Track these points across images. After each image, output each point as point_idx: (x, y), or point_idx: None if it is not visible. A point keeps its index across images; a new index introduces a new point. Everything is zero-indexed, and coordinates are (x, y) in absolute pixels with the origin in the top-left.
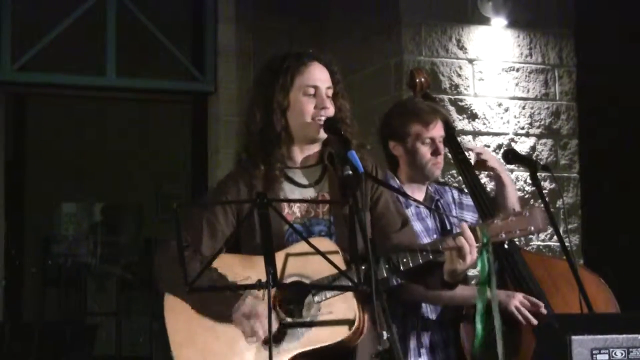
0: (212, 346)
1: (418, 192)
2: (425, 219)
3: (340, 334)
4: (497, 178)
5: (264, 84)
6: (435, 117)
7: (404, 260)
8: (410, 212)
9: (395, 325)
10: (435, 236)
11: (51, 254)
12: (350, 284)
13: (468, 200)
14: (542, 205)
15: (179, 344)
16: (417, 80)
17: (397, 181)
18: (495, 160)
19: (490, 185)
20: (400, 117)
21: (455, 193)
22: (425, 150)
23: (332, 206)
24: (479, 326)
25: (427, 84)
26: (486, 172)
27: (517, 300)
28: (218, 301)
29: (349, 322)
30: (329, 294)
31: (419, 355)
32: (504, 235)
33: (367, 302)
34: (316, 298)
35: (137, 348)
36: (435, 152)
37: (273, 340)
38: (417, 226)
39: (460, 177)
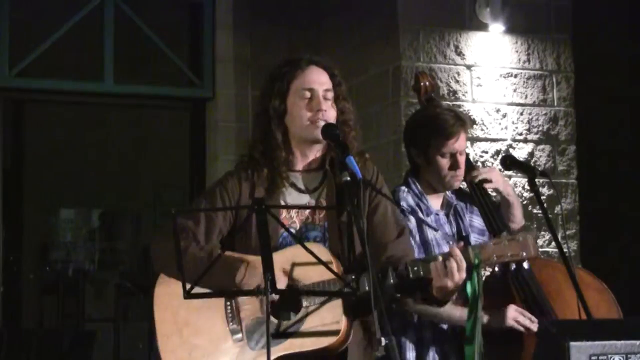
0: (198, 341)
1: (436, 199)
2: (443, 225)
3: (324, 340)
4: (503, 198)
5: (264, 92)
6: (458, 130)
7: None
8: (431, 219)
9: (412, 335)
10: (452, 243)
11: (49, 260)
12: (346, 289)
13: (475, 208)
14: (533, 232)
15: (165, 335)
16: (422, 83)
17: (418, 186)
18: (502, 182)
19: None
20: (422, 127)
21: (467, 204)
22: (444, 164)
23: (327, 213)
24: (467, 348)
25: (432, 88)
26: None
27: (512, 315)
28: (220, 275)
29: (335, 331)
30: (317, 300)
31: None
32: (495, 259)
33: (361, 316)
34: (305, 303)
35: (135, 354)
36: (454, 166)
37: (258, 340)
38: (438, 235)
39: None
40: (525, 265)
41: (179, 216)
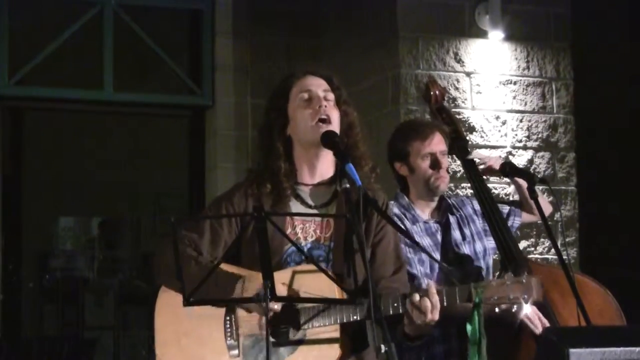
0: (196, 351)
1: (427, 209)
2: (435, 234)
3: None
4: (514, 181)
5: (265, 108)
6: (432, 131)
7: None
8: (419, 227)
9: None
10: (438, 252)
11: (49, 268)
12: (345, 311)
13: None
14: (539, 277)
15: (164, 343)
16: (432, 92)
17: (405, 198)
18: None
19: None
20: (399, 137)
21: (476, 204)
22: (425, 166)
23: (334, 232)
24: None
25: (442, 97)
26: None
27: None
28: (217, 293)
29: (333, 351)
30: (315, 320)
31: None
32: (496, 299)
33: (355, 343)
34: (302, 318)
35: None
36: (435, 166)
37: (255, 358)
38: (426, 241)
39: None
40: (527, 307)
41: (178, 225)
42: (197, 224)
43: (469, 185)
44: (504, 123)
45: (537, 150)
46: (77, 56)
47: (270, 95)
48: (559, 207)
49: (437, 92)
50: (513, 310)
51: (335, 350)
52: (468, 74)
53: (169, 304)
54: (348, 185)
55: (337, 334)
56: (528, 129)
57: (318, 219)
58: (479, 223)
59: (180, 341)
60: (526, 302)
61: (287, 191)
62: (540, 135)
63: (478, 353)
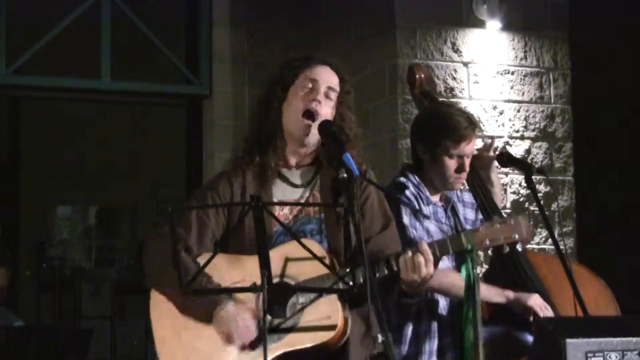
0: (196, 344)
1: (434, 192)
2: (440, 219)
3: (322, 336)
4: (487, 177)
5: (270, 80)
6: (469, 133)
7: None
8: (428, 211)
9: (411, 326)
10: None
11: (46, 257)
12: (341, 286)
13: (466, 197)
14: (527, 213)
15: (163, 340)
16: (417, 76)
17: (416, 177)
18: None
19: None
20: (434, 125)
21: (459, 192)
22: (450, 165)
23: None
24: (468, 331)
25: (427, 81)
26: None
27: (535, 301)
28: (201, 302)
29: (332, 325)
30: (313, 295)
31: (430, 357)
32: (488, 243)
33: (358, 305)
34: (300, 299)
35: (131, 351)
36: (459, 169)
37: (253, 342)
38: (432, 227)
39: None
40: (519, 247)
41: (176, 214)
42: (183, 215)
43: None
44: (501, 113)
45: (534, 140)
46: (75, 45)
47: (280, 67)
48: (556, 197)
49: (422, 75)
50: (521, 301)
51: (329, 333)
52: (465, 64)
53: (162, 301)
54: (345, 175)
55: (333, 322)
56: (525, 119)
57: (305, 195)
58: (461, 211)
59: (180, 335)
60: (518, 241)
61: (273, 172)
62: (537, 125)
63: (472, 297)
